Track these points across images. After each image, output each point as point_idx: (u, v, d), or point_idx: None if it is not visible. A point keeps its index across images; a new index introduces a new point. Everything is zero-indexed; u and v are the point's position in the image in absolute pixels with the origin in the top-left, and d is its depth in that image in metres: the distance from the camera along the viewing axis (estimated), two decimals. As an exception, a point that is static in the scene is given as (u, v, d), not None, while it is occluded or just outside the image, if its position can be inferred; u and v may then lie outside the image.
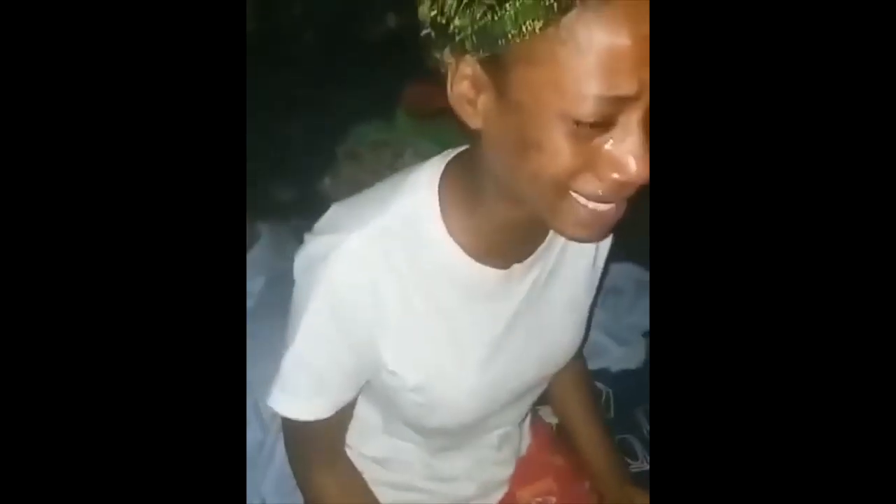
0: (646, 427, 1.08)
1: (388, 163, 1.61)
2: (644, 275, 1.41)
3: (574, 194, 0.47)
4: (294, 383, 0.60)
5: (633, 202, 0.51)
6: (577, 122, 0.43)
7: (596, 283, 0.72)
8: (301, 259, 0.58)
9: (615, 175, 0.45)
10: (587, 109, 0.42)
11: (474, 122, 0.49)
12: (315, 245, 0.57)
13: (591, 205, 0.48)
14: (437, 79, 0.50)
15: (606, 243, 0.71)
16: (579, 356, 0.82)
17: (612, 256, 0.74)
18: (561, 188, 0.47)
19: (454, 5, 0.43)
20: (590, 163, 0.45)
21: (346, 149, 1.74)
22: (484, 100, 0.47)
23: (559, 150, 0.45)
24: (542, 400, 0.82)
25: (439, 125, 1.61)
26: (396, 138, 1.71)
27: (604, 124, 0.44)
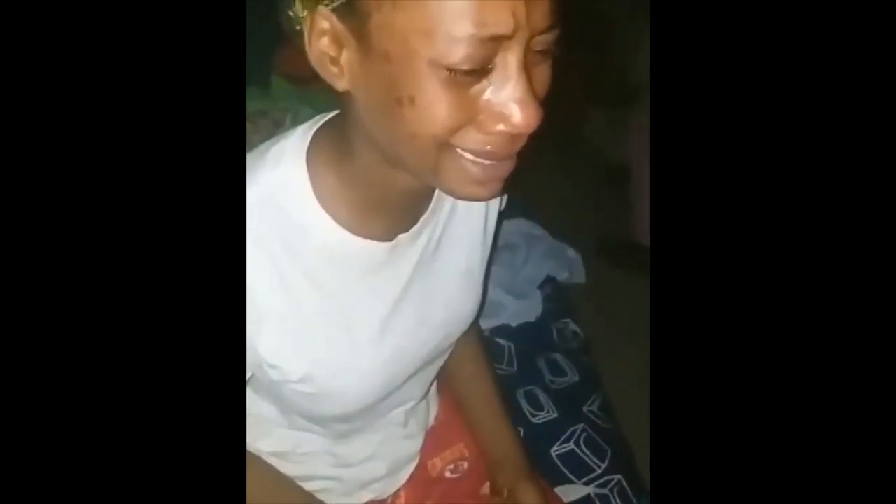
0: (547, 376, 1.12)
1: (269, 132, 1.53)
2: (534, 228, 1.45)
3: (459, 151, 0.44)
4: None
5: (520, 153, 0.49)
6: (451, 70, 0.40)
7: (489, 244, 0.69)
8: None
9: (500, 126, 0.42)
10: (459, 54, 0.39)
11: (340, 83, 0.45)
12: None
13: (481, 160, 0.44)
14: (298, 44, 0.45)
15: (496, 201, 0.68)
16: (475, 332, 0.81)
17: (503, 213, 0.73)
18: (443, 145, 0.43)
19: None
20: (471, 115, 0.42)
21: (221, 121, 1.64)
22: (347, 56, 0.43)
23: (435, 104, 0.41)
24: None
25: (319, 89, 1.55)
26: (274, 106, 1.62)
27: (480, 71, 0.40)
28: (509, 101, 0.41)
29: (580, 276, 1.44)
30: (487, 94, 0.42)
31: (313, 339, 0.56)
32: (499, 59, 0.40)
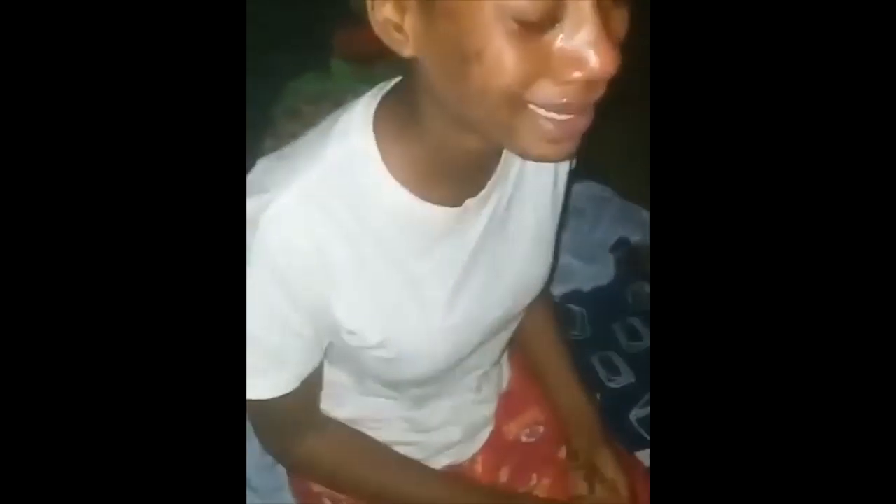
0: (623, 341, 1.10)
1: (330, 114, 1.56)
2: (603, 190, 1.41)
3: (533, 107, 0.42)
4: (251, 363, 0.56)
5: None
6: (519, 22, 0.38)
7: (559, 206, 0.68)
8: None
9: (576, 73, 0.40)
10: (527, 1, 0.38)
11: (406, 49, 0.44)
12: None
13: (556, 115, 0.42)
14: (365, 19, 0.45)
15: (565, 165, 0.66)
16: (545, 298, 0.80)
17: (573, 173, 0.71)
18: (515, 101, 0.42)
19: None
20: (543, 66, 0.40)
21: (285, 107, 1.68)
22: (410, 21, 0.43)
23: (504, 57, 0.39)
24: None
25: (378, 68, 1.56)
26: (335, 88, 1.65)
27: (549, 19, 0.39)
28: (584, 45, 0.39)
29: (655, 238, 1.40)
30: (560, 42, 0.40)
31: (387, 305, 0.57)
32: (570, 4, 0.39)
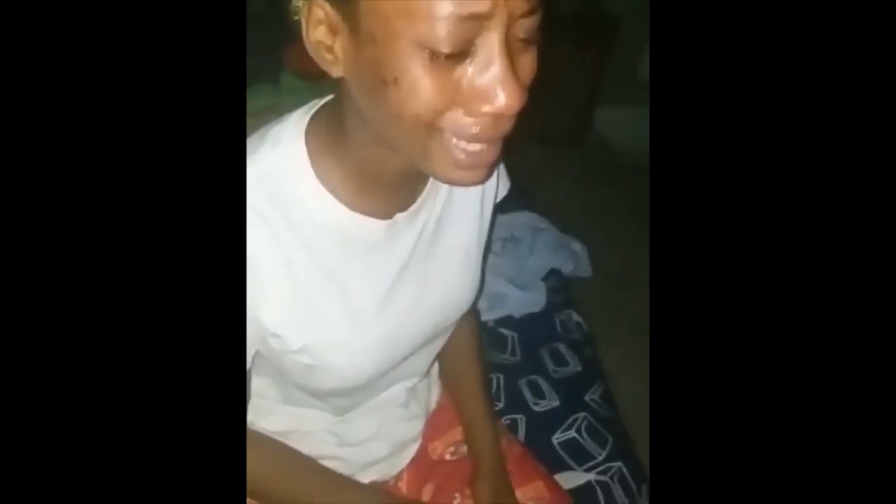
0: (550, 366, 1.14)
1: (277, 127, 1.55)
2: (540, 221, 1.46)
3: (447, 134, 0.45)
4: None
5: (514, 144, 0.50)
6: (433, 53, 0.41)
7: (486, 232, 0.71)
8: None
9: (485, 107, 0.43)
10: (440, 34, 0.40)
11: (335, 69, 0.46)
12: None
13: (465, 145, 0.46)
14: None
15: (492, 186, 0.69)
16: (473, 318, 0.81)
17: (506, 206, 0.73)
18: (428, 127, 0.45)
19: None
20: (455, 97, 0.43)
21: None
22: (340, 43, 0.45)
23: (418, 84, 0.42)
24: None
25: (328, 83, 1.56)
26: (283, 101, 1.65)
27: (462, 53, 0.42)
28: (492, 83, 0.42)
29: (586, 270, 1.45)
30: (470, 77, 0.43)
31: (313, 312, 0.57)
32: (480, 42, 0.42)
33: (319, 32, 0.45)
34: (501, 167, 0.72)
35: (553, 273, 1.35)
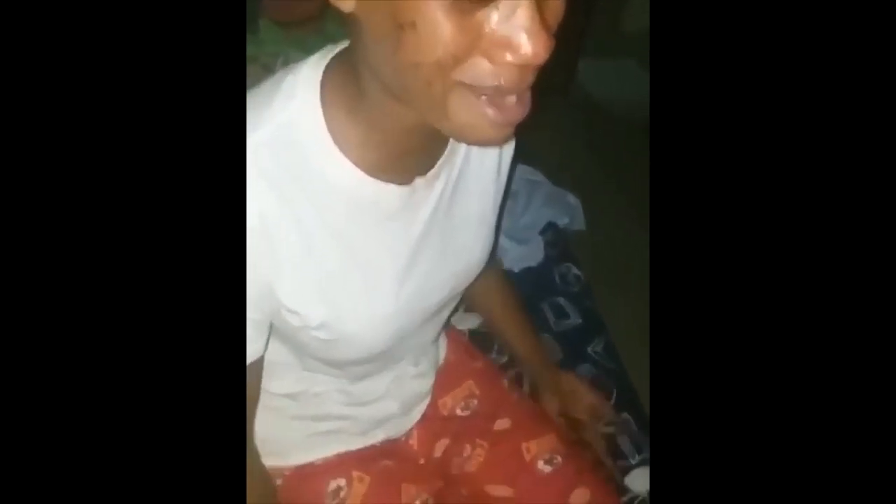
0: (552, 319, 1.12)
1: (259, 76, 1.48)
2: (534, 174, 1.43)
3: (467, 88, 0.41)
4: None
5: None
6: None
7: (502, 192, 0.67)
8: None
9: (509, 57, 0.40)
10: None
11: (346, 3, 0.42)
12: None
13: (488, 99, 0.42)
14: None
15: (510, 147, 0.65)
16: (493, 257, 0.81)
17: (515, 158, 0.70)
18: (447, 76, 0.41)
19: None
20: (475, 43, 0.39)
21: (208, 68, 1.59)
22: None
23: (436, 27, 0.38)
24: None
25: (309, 32, 1.49)
26: (264, 51, 1.57)
27: None
28: (518, 30, 0.39)
29: (580, 223, 1.43)
30: (494, 23, 0.39)
31: (331, 285, 0.54)
32: None
33: None
34: None
35: (549, 226, 1.32)
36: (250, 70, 1.58)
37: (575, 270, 1.24)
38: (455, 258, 0.63)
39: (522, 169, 1.42)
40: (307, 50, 0.62)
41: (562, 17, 0.43)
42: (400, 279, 0.58)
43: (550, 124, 2.30)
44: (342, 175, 0.51)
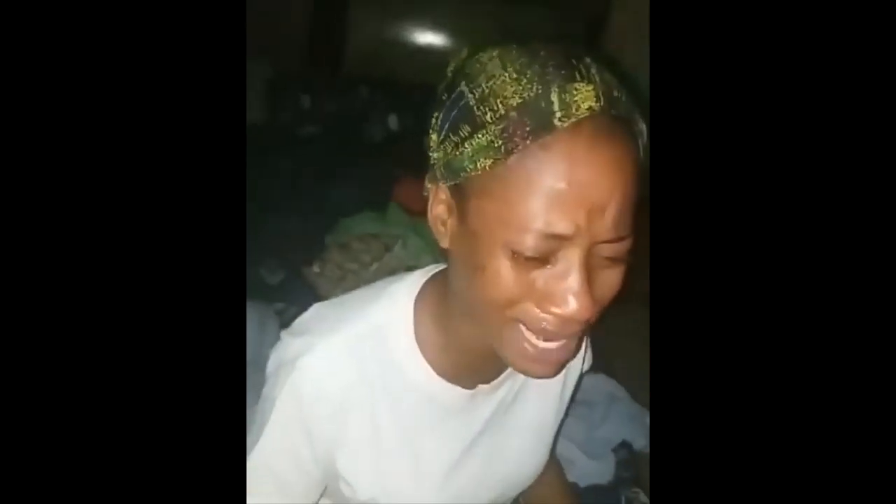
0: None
1: (376, 254, 1.65)
2: (616, 387, 1.42)
3: (519, 326, 0.50)
4: (257, 488, 0.59)
5: (601, 323, 0.53)
6: (516, 253, 0.47)
7: (564, 408, 0.73)
8: (273, 358, 0.60)
9: (555, 309, 0.48)
10: (527, 243, 0.46)
11: (444, 241, 0.53)
12: (286, 347, 0.59)
13: (537, 341, 0.50)
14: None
15: (577, 364, 0.72)
16: (553, 461, 0.81)
17: (583, 375, 0.74)
18: (503, 314, 0.49)
19: (435, 140, 0.50)
20: (530, 292, 0.48)
21: (337, 238, 1.78)
22: (451, 222, 0.52)
23: (499, 275, 0.48)
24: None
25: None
26: (387, 231, 1.75)
27: (542, 259, 0.47)
28: (566, 291, 0.47)
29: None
30: (548, 279, 0.48)
31: (387, 467, 0.60)
32: (562, 255, 0.47)
33: (439, 209, 0.53)
34: (587, 341, 0.74)
35: (623, 445, 1.28)
36: (370, 244, 1.76)
37: (643, 498, 1.18)
38: (506, 464, 0.67)
39: (605, 380, 1.42)
40: (425, 238, 0.72)
41: (617, 288, 0.50)
42: (447, 474, 0.63)
43: (640, 337, 2.26)
44: (419, 374, 0.59)
